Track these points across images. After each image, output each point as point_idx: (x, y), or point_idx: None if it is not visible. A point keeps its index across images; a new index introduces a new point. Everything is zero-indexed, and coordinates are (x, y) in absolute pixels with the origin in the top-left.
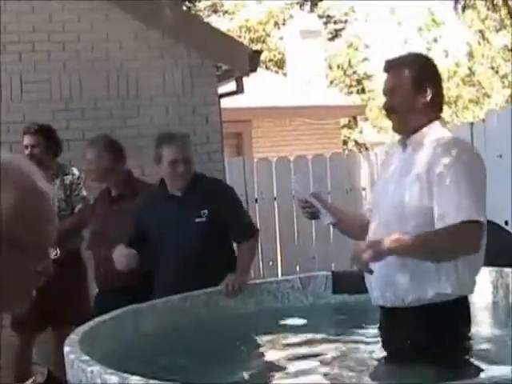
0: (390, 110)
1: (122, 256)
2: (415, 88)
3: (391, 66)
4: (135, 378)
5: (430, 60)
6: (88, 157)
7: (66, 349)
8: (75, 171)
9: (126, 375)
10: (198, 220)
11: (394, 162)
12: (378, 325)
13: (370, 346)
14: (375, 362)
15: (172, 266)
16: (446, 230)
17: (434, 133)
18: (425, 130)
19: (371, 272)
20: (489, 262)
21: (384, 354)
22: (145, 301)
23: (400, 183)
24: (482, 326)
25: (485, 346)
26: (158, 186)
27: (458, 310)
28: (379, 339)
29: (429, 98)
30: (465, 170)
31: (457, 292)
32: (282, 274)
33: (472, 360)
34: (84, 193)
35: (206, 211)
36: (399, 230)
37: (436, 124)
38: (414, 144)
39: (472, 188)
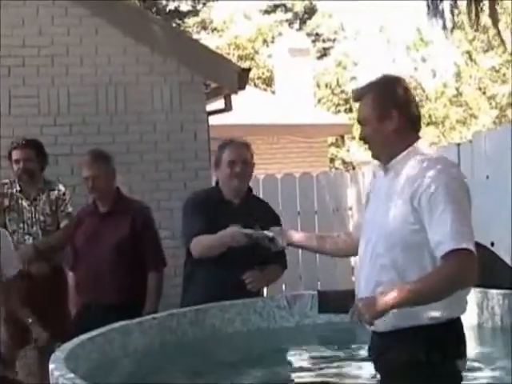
0: (363, 140)
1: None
2: (379, 116)
3: (357, 96)
4: None
5: (395, 82)
6: (95, 172)
7: (51, 366)
8: (61, 187)
9: None
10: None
11: (378, 186)
12: (368, 347)
13: (358, 365)
14: None
15: None
16: (441, 268)
17: (414, 156)
18: (405, 153)
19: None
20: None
21: (378, 377)
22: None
23: (385, 208)
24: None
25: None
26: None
27: (451, 331)
28: (371, 362)
29: (396, 122)
30: (453, 195)
31: (449, 314)
32: (268, 293)
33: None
34: (70, 209)
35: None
36: (386, 254)
37: (415, 146)
38: (396, 169)
39: (463, 215)
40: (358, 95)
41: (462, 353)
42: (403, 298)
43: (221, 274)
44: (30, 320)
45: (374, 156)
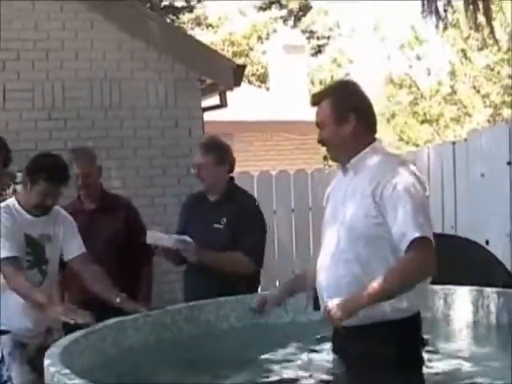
0: (321, 143)
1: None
2: (337, 120)
3: (314, 101)
4: None
5: (350, 86)
6: (86, 169)
7: (47, 361)
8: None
9: None
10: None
11: (337, 187)
12: (331, 343)
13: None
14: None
15: None
16: (408, 257)
17: (371, 155)
18: (362, 153)
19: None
20: (468, 281)
21: (341, 370)
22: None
23: (346, 205)
24: (462, 344)
25: (464, 364)
26: None
27: (413, 326)
28: (335, 357)
29: (354, 126)
30: (412, 190)
31: (411, 309)
32: (262, 289)
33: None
34: None
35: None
36: (350, 248)
37: (373, 147)
38: (354, 168)
39: (422, 208)
40: (316, 99)
41: (420, 348)
42: (374, 295)
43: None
44: (119, 299)
45: (332, 158)
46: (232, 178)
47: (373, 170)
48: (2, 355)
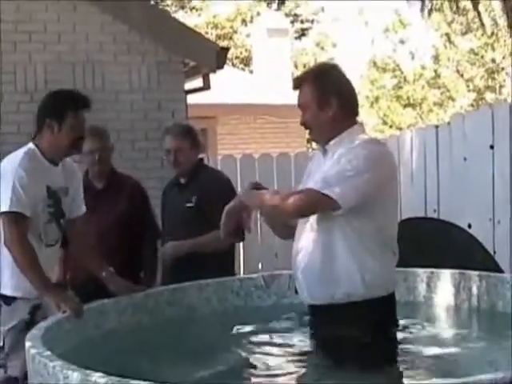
0: (303, 125)
1: None
2: (319, 103)
3: (297, 84)
4: (97, 375)
5: (333, 69)
6: (103, 145)
7: (28, 344)
8: None
9: (88, 371)
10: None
11: (315, 168)
12: (308, 324)
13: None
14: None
15: None
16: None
17: (351, 136)
18: (343, 135)
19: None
20: (449, 264)
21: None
22: None
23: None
24: (442, 328)
25: (443, 348)
26: None
27: (386, 307)
28: (310, 338)
29: (335, 109)
30: (362, 158)
31: (381, 281)
32: (245, 272)
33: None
34: None
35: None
36: (318, 229)
37: (353, 129)
38: (334, 149)
39: (354, 177)
40: (298, 82)
41: (395, 328)
42: (259, 203)
43: None
44: (104, 273)
45: (314, 140)
46: (201, 159)
47: (344, 151)
48: (4, 342)
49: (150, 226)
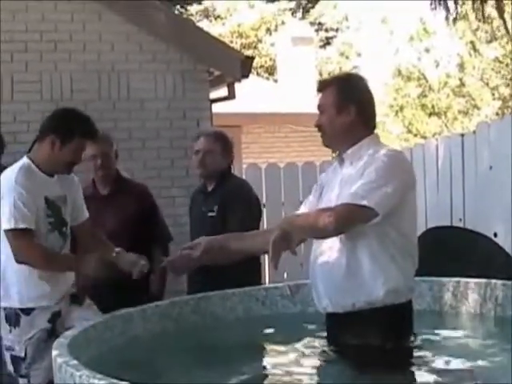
0: (318, 128)
1: None
2: (338, 108)
3: (320, 87)
4: (123, 383)
5: (357, 79)
6: (104, 150)
7: (54, 352)
8: None
9: (114, 380)
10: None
11: (332, 177)
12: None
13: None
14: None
15: None
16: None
17: (369, 146)
18: (361, 143)
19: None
20: (476, 273)
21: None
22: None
23: (339, 194)
24: (467, 337)
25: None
26: None
27: (406, 312)
28: (329, 346)
29: (352, 116)
30: (387, 167)
31: (402, 287)
32: (270, 281)
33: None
34: None
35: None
36: (344, 236)
37: (371, 138)
38: (351, 157)
39: (384, 182)
40: (322, 86)
41: (412, 335)
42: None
43: None
44: (114, 253)
45: (325, 144)
46: (229, 168)
47: (365, 160)
48: (26, 352)
49: (159, 230)
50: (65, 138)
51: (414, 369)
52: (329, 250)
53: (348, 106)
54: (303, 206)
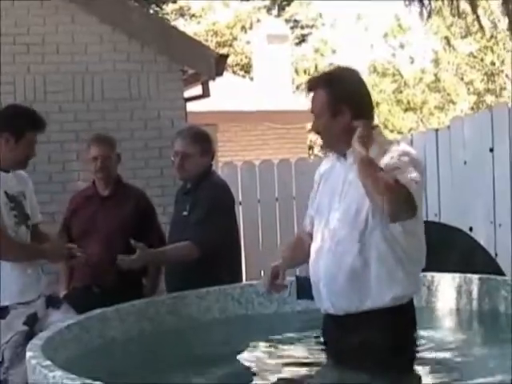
0: (315, 132)
1: None
2: (332, 112)
3: (310, 87)
4: (97, 383)
5: (349, 75)
6: (105, 152)
7: (29, 354)
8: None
9: (88, 381)
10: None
11: (333, 174)
12: (322, 334)
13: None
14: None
15: None
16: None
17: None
18: None
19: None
20: (452, 267)
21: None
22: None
23: (346, 193)
24: (445, 331)
25: (447, 353)
26: None
27: (409, 312)
28: (329, 347)
29: (348, 117)
30: (407, 164)
31: (406, 294)
32: (246, 279)
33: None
34: None
35: None
36: (350, 238)
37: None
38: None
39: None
40: (312, 85)
41: (416, 334)
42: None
43: None
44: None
45: (326, 147)
46: (210, 166)
47: (372, 155)
48: (3, 356)
49: (155, 234)
50: (18, 134)
51: (412, 368)
52: (333, 250)
53: (341, 107)
54: (307, 219)
